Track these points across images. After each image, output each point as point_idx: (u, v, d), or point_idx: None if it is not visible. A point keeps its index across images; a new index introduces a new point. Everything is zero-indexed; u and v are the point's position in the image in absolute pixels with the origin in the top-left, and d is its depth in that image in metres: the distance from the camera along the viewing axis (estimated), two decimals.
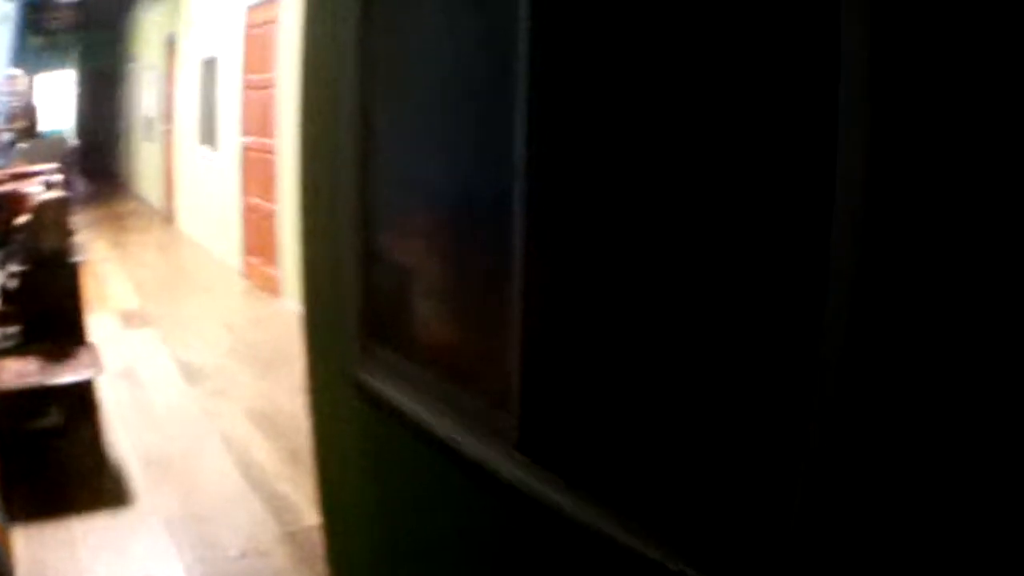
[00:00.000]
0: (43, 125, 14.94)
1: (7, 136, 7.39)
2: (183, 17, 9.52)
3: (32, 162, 11.52)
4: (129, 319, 5.92)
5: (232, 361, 4.93)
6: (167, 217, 10.73)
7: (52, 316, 3.74)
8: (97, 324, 5.60)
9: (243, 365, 4.85)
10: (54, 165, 5.08)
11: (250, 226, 6.89)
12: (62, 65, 21.72)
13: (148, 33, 12.66)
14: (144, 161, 13.11)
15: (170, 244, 9.11)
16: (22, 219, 3.92)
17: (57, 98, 21.69)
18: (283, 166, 5.87)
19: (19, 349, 3.67)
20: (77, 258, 3.90)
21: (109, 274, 7.61)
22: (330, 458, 2.35)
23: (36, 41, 19.76)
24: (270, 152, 6.22)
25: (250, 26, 6.73)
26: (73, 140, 13.62)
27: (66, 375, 3.44)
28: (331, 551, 2.40)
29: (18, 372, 3.41)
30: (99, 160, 18.62)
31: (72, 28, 17.87)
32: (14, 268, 3.75)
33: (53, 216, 3.77)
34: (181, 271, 7.65)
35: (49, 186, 4.22)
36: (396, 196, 2.04)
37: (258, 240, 6.68)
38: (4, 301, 4.36)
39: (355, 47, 2.01)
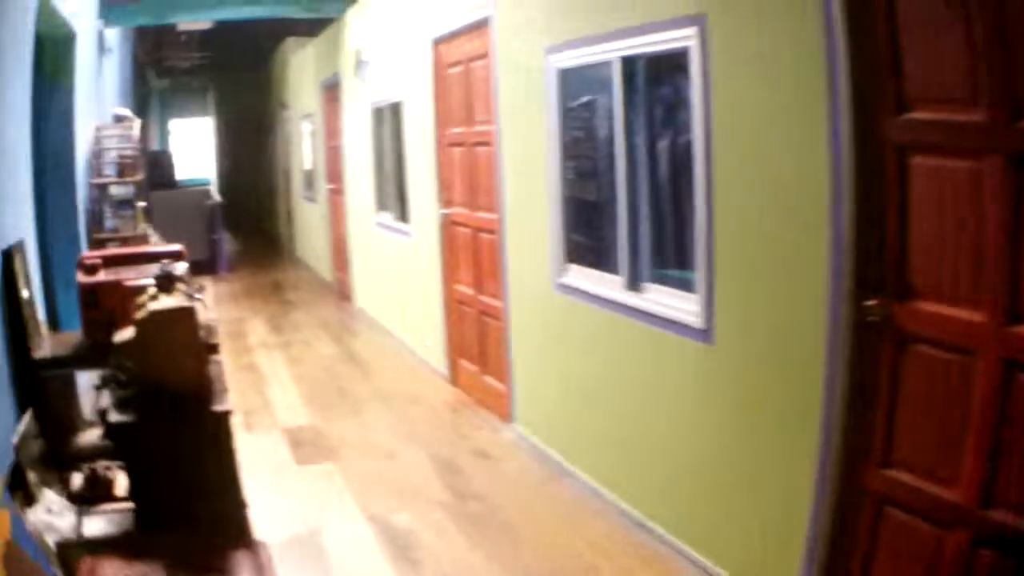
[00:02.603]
0: (181, 174, 15.93)
1: (121, 191, 7.56)
2: (346, 57, 9.56)
3: (167, 219, 12.40)
4: (299, 444, 5.69)
5: (453, 525, 4.46)
6: (341, 293, 10.83)
7: (179, 494, 3.13)
8: (257, 451, 5.50)
9: (469, 533, 4.37)
10: (176, 247, 4.62)
11: (458, 321, 6.63)
12: (196, 111, 23.36)
13: (301, 75, 13.03)
14: (306, 223, 13.47)
15: (347, 330, 9.04)
16: (123, 334, 3.34)
17: (192, 147, 23.36)
18: (510, 247, 5.55)
19: (126, 543, 3.09)
20: (219, 406, 3.17)
21: (270, 371, 7.59)
22: None
23: (162, 84, 21.37)
24: (486, 230, 5.92)
25: (442, 65, 6.48)
26: (215, 194, 14.38)
27: None
28: None
29: None
30: (246, 217, 19.71)
31: (204, 69, 19.11)
32: (113, 416, 3.13)
33: (169, 337, 3.12)
34: (365, 371, 7.43)
35: (167, 279, 3.45)
36: None
37: (471, 341, 6.41)
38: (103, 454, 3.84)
39: None
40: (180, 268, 3.83)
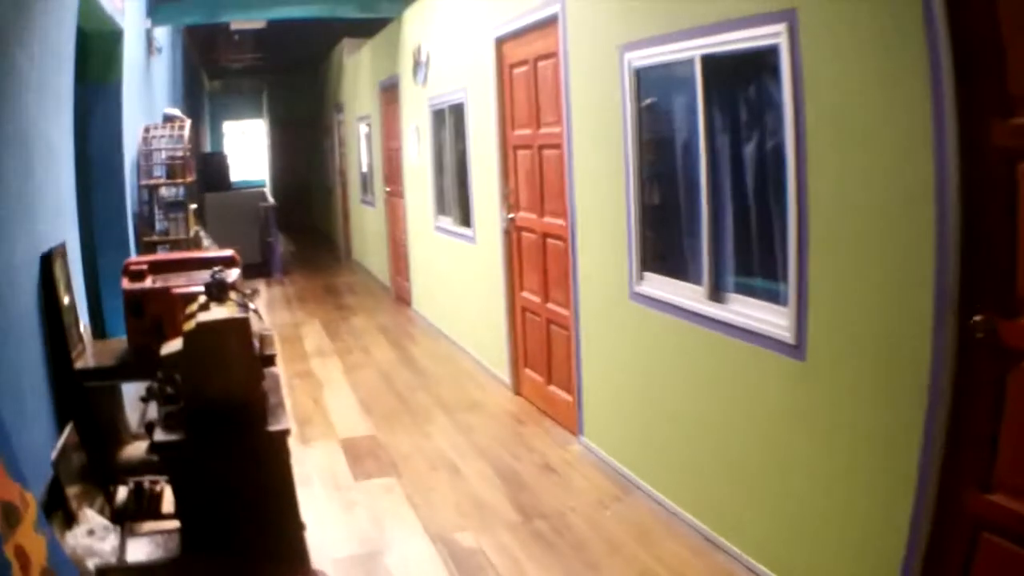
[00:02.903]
0: (236, 176, 15.98)
1: (171, 193, 7.54)
2: (404, 57, 9.43)
3: (220, 221, 12.45)
4: (358, 457, 5.52)
5: (520, 545, 4.27)
6: (399, 297, 10.74)
7: (231, 518, 2.98)
8: (314, 463, 5.42)
9: (537, 554, 4.17)
10: (229, 252, 4.44)
11: (522, 330, 6.47)
12: (250, 113, 23.46)
13: (357, 76, 12.90)
14: (363, 226, 13.35)
15: (406, 336, 8.90)
16: (170, 346, 3.19)
17: (246, 149, 23.47)
18: (581, 255, 5.35)
19: (172, 569, 2.98)
20: (275, 426, 2.99)
21: (327, 378, 7.47)
22: None
23: (216, 85, 21.46)
24: (554, 236, 5.72)
25: (506, 64, 6.32)
26: (269, 196, 14.38)
27: None
28: None
29: None
30: (302, 219, 19.78)
31: (258, 71, 19.15)
32: (159, 434, 2.99)
33: (220, 351, 2.93)
34: (425, 379, 7.27)
35: (219, 287, 3.28)
36: None
37: (536, 350, 6.24)
38: (148, 469, 3.80)
39: None
40: (232, 275, 3.73)
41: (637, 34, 4.44)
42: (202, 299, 3.33)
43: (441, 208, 8.56)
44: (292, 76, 19.46)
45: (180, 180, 7.30)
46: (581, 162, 5.21)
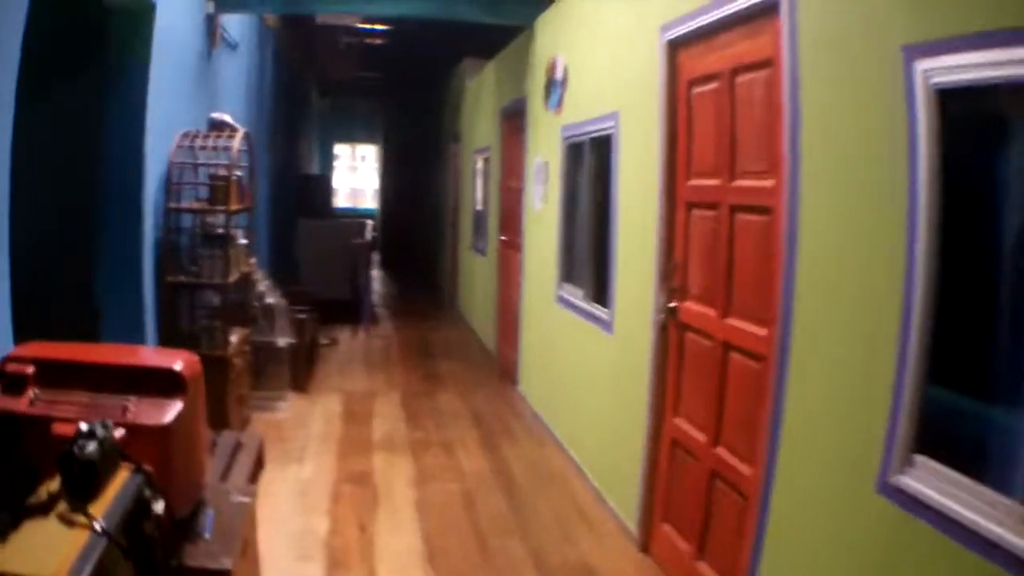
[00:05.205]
0: (342, 203, 14.67)
1: (217, 222, 5.84)
2: (535, 77, 7.70)
3: (312, 250, 11.04)
4: None
5: None
6: (503, 371, 8.98)
7: None
8: None
9: None
10: (177, 363, 2.46)
11: (668, 470, 4.55)
12: (364, 137, 22.25)
13: (477, 102, 11.28)
14: (471, 276, 11.76)
15: (504, 431, 7.08)
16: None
17: (361, 175, 22.32)
18: (793, 388, 3.45)
19: None
20: None
21: (387, 486, 5.71)
22: None
23: (324, 103, 20.26)
24: (745, 349, 3.77)
25: (682, 80, 4.46)
26: (371, 230, 12.96)
27: None
28: None
29: None
30: (407, 257, 18.29)
31: (373, 90, 17.78)
32: None
33: None
34: (521, 510, 5.41)
35: (80, 471, 1.81)
36: None
37: (686, 505, 4.31)
38: None
39: None
40: (170, 412, 1.97)
41: (940, 28, 2.54)
42: (54, 486, 1.61)
43: (567, 274, 6.71)
44: (409, 101, 18.13)
45: (223, 207, 5.60)
46: (813, 239, 3.24)
